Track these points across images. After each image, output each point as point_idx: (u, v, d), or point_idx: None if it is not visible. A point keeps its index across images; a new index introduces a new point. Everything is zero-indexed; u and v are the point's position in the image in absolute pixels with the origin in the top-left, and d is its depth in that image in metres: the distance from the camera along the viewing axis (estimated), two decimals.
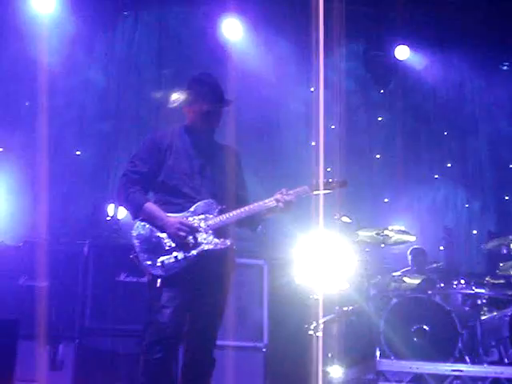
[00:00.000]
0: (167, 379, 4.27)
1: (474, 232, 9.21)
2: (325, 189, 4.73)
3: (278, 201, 4.53)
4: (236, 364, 6.41)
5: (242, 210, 4.53)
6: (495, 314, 7.19)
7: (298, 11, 7.91)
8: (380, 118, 9.56)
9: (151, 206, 4.50)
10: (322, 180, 4.74)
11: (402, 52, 9.24)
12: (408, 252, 7.84)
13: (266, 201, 4.55)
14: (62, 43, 8.24)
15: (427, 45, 9.33)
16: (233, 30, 8.84)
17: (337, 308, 7.19)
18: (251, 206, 4.54)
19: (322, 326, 7.08)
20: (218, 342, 4.70)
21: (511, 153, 9.66)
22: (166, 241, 4.43)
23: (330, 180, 4.80)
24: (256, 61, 8.90)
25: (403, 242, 7.71)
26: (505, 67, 9.63)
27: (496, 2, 9.02)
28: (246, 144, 8.36)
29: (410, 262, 7.85)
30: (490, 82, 9.61)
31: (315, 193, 4.72)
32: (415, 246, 7.72)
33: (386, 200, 9.19)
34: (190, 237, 4.43)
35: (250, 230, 4.75)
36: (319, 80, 8.46)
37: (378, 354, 6.45)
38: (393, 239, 7.59)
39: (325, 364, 6.96)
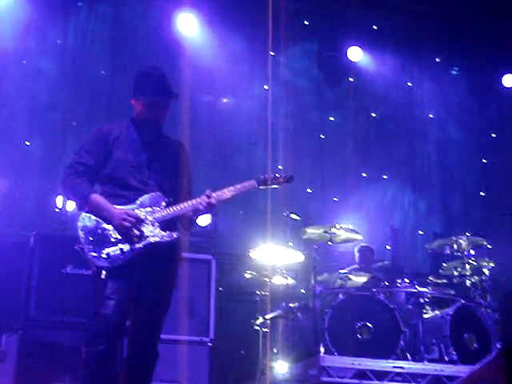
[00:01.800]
0: (109, 371, 4.26)
1: (420, 232, 9.38)
2: (272, 184, 4.79)
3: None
4: (181, 358, 6.43)
5: (188, 204, 4.56)
6: (437, 312, 7.35)
7: (253, 8, 7.95)
8: (332, 118, 9.66)
9: (97, 198, 4.50)
10: (269, 175, 4.80)
11: (355, 53, 9.35)
12: (355, 249, 7.95)
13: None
14: (14, 30, 8.13)
15: (380, 47, 9.46)
16: (188, 25, 8.84)
17: (283, 304, 7.26)
18: (189, 203, 4.54)
19: (268, 321, 7.15)
20: (164, 336, 4.72)
21: (458, 156, 9.87)
22: (111, 232, 4.43)
23: (277, 175, 4.86)
24: (210, 57, 8.91)
25: (350, 241, 7.82)
26: (454, 72, 9.83)
27: (447, 7, 9.21)
28: (198, 139, 8.38)
29: (356, 260, 7.96)
30: (439, 85, 9.79)
31: (262, 187, 4.78)
32: (363, 244, 7.83)
33: (335, 199, 9.30)
34: (136, 229, 4.43)
35: (184, 227, 4.72)
36: (272, 78, 8.55)
37: (322, 350, 6.55)
38: (340, 237, 7.70)
39: (270, 359, 7.03)
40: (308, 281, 7.58)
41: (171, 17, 8.78)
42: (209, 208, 4.54)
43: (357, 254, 7.88)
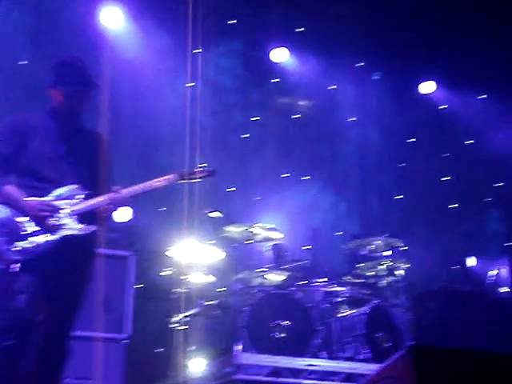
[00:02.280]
0: (17, 367, 4.16)
1: (339, 233, 9.53)
2: (194, 177, 4.79)
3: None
4: (96, 355, 6.33)
5: (102, 198, 4.49)
6: (353, 311, 7.50)
7: (178, 5, 7.90)
8: (256, 118, 9.71)
9: (10, 189, 4.38)
10: (191, 169, 4.79)
11: (280, 54, 9.42)
12: (270, 247, 7.96)
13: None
14: None
15: (304, 49, 9.55)
16: (113, 17, 8.71)
17: (202, 302, 7.25)
18: (103, 197, 4.48)
19: (186, 319, 7.13)
20: (78, 332, 4.64)
21: (377, 159, 10.07)
22: (26, 224, 4.32)
23: (200, 169, 4.86)
24: (135, 51, 8.82)
25: (271, 239, 7.88)
26: (376, 77, 10.03)
27: (371, 12, 9.39)
28: (121, 134, 8.27)
29: (269, 257, 7.96)
30: (361, 89, 9.98)
31: (184, 181, 4.76)
32: (276, 242, 7.87)
33: (257, 198, 9.34)
34: (52, 219, 4.34)
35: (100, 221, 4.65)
36: (196, 75, 8.51)
37: (238, 347, 6.57)
38: (261, 236, 7.75)
39: (187, 357, 7.02)
40: (227, 279, 7.61)
41: (95, 8, 8.63)
42: (118, 203, 4.48)
43: (271, 252, 7.90)
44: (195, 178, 4.81)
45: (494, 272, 9.11)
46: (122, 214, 8.05)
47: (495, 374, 3.90)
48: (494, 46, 9.79)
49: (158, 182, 4.67)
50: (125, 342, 6.78)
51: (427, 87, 9.93)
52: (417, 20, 9.50)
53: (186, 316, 7.11)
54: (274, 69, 9.61)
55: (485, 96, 10.12)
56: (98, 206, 4.48)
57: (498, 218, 10.35)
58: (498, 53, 9.80)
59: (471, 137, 10.18)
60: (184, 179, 4.79)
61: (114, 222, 7.52)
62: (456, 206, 10.11)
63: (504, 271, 9.11)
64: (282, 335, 6.90)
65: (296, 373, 6.64)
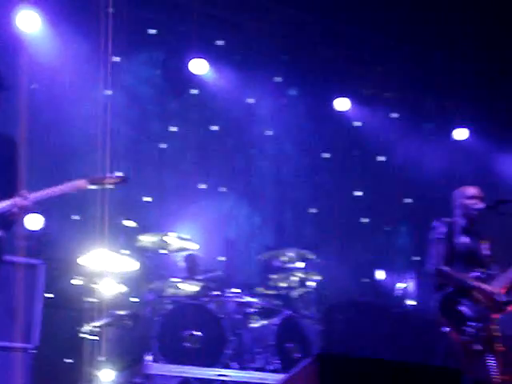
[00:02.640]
0: None
1: (254, 245, 9.63)
2: (104, 183, 4.76)
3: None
4: (1, 365, 6.18)
5: (7, 203, 4.41)
6: (264, 322, 7.59)
7: (98, 12, 7.84)
8: (173, 129, 9.71)
9: None
10: (102, 175, 4.76)
11: (200, 66, 9.45)
12: (182, 258, 7.99)
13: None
14: None
15: (224, 62, 9.63)
16: (30, 21, 8.53)
17: (113, 312, 7.18)
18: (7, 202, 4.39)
19: (97, 329, 7.03)
20: None
21: (293, 172, 10.24)
22: None
23: (111, 175, 4.83)
24: (52, 56, 8.68)
25: (185, 250, 7.90)
26: (293, 92, 10.21)
27: (290, 28, 9.57)
28: (35, 140, 8.12)
29: (185, 268, 7.99)
30: (278, 104, 10.13)
31: (94, 186, 4.72)
32: (189, 252, 7.90)
33: (173, 207, 9.32)
34: None
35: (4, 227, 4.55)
36: (114, 83, 8.47)
37: (149, 358, 6.54)
38: (175, 246, 7.76)
39: (97, 368, 6.92)
40: (140, 288, 7.57)
41: (11, 11, 8.45)
42: (24, 208, 4.40)
43: (184, 263, 7.93)
44: (106, 184, 4.78)
45: (402, 285, 9.40)
46: (33, 222, 7.91)
47: (398, 382, 4.06)
48: (406, 66, 10.14)
49: (67, 187, 4.62)
50: (32, 351, 6.63)
51: (342, 104, 10.16)
52: (333, 38, 9.74)
53: (97, 326, 7.02)
54: (193, 80, 9.63)
55: (397, 115, 10.44)
56: (2, 210, 4.39)
57: (406, 233, 10.69)
58: (409, 73, 10.15)
59: (383, 153, 10.48)
60: (94, 185, 4.74)
61: (25, 229, 7.40)
62: (367, 220, 10.38)
63: (411, 284, 9.41)
64: (194, 345, 6.92)
65: (206, 383, 6.66)
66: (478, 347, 5.13)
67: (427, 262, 5.43)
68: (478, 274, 5.38)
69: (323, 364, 3.96)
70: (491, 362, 5.18)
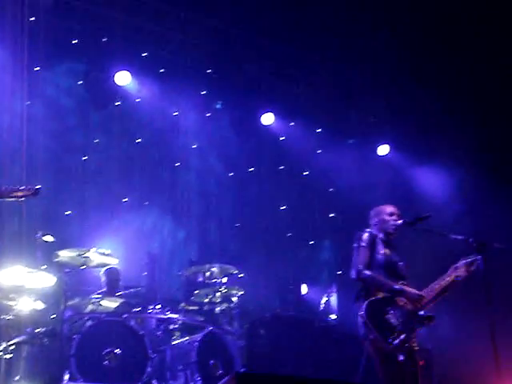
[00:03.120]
0: None
1: (177, 260, 9.52)
2: (13, 195, 4.58)
3: None
4: None
5: None
6: (186, 339, 7.49)
7: (16, 20, 7.64)
8: (96, 140, 9.51)
9: None
10: (9, 186, 4.58)
11: (123, 77, 9.33)
12: (101, 272, 7.82)
13: None
14: None
15: (148, 74, 9.53)
16: None
17: (29, 329, 6.95)
18: None
19: (11, 347, 6.79)
20: None
21: (217, 187, 10.19)
22: None
23: (20, 187, 4.66)
24: None
25: (105, 265, 7.73)
26: (218, 106, 10.18)
27: (215, 43, 9.55)
28: None
29: (103, 283, 7.81)
30: (203, 117, 10.06)
31: (2, 199, 4.54)
32: (109, 266, 7.73)
33: (95, 221, 9.11)
34: None
35: None
36: (35, 94, 8.26)
37: (66, 377, 6.36)
38: (95, 261, 7.57)
39: None
40: (59, 305, 7.35)
41: None
42: None
43: (103, 278, 7.76)
44: (16, 197, 4.59)
45: (325, 299, 9.46)
46: None
47: None
48: (330, 82, 10.26)
49: None
50: None
51: (267, 119, 10.20)
52: (258, 52, 9.79)
53: (12, 344, 6.77)
54: (117, 91, 9.48)
55: (320, 130, 10.54)
56: None
57: (330, 247, 10.79)
58: (332, 90, 10.28)
59: (307, 168, 10.56)
60: (3, 197, 4.55)
61: None
62: (290, 234, 10.42)
63: (333, 298, 9.48)
64: (113, 363, 6.76)
65: None
66: (401, 358, 5.17)
67: (351, 269, 5.43)
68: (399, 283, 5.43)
69: (242, 381, 3.92)
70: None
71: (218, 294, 8.04)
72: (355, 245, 5.59)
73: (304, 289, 9.95)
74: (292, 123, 10.47)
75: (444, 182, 9.84)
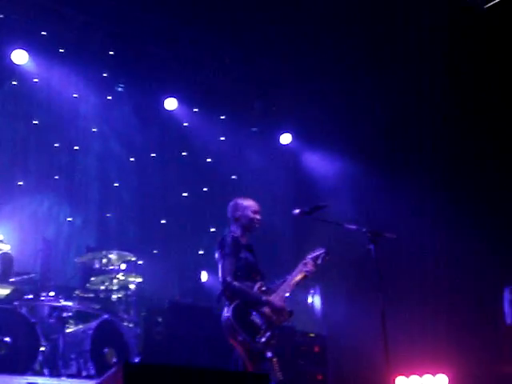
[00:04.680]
0: None
1: (74, 246, 9.26)
2: None
3: None
4: None
5: None
6: (80, 327, 7.33)
7: None
8: None
9: None
10: None
11: (20, 56, 8.97)
12: None
13: None
14: None
15: (47, 54, 9.19)
16: None
17: None
18: None
19: None
20: None
21: (117, 171, 9.97)
22: None
23: None
24: None
25: None
26: (120, 88, 9.93)
27: (114, 22, 9.32)
28: None
29: None
30: (104, 100, 9.82)
31: None
32: (1, 252, 7.45)
33: None
34: None
35: None
36: None
37: None
38: None
39: None
40: None
41: None
42: None
43: None
44: None
45: None
46: None
47: None
48: (237, 68, 10.21)
49: None
50: None
51: (171, 104, 10.07)
52: (164, 36, 9.62)
53: None
54: (13, 70, 9.11)
55: (224, 117, 10.50)
56: None
57: None
58: (239, 74, 10.23)
59: (210, 154, 10.50)
60: None
61: None
62: (192, 221, 10.34)
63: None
64: (2, 352, 6.54)
65: None
66: (269, 355, 5.30)
67: (223, 277, 5.47)
68: (259, 285, 5.54)
69: (128, 373, 3.84)
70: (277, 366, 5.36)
71: (115, 281, 7.91)
72: (220, 251, 5.61)
73: (204, 276, 9.91)
74: (196, 109, 10.36)
75: (338, 171, 9.98)
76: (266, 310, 5.43)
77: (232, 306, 5.40)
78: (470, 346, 8.39)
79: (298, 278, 5.62)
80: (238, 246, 5.61)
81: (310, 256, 5.69)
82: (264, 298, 5.48)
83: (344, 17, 9.22)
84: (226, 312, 5.41)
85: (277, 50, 9.84)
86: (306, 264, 5.65)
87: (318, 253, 5.69)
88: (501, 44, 8.69)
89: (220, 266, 5.58)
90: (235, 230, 5.76)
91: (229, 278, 5.45)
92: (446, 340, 8.69)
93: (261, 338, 5.33)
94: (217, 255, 5.66)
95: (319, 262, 5.67)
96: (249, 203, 5.83)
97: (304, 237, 6.75)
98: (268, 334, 5.37)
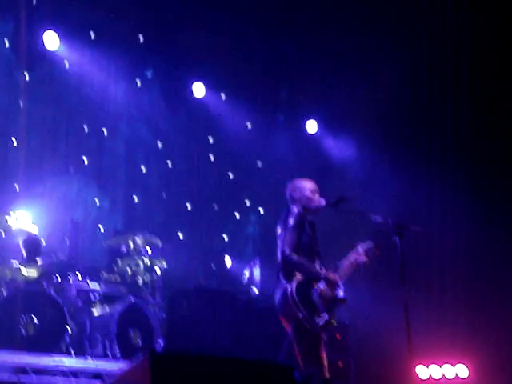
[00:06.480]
0: None
1: (101, 229, 9.40)
2: None
3: None
4: None
5: None
6: (107, 309, 7.46)
7: None
8: (21, 104, 9.22)
9: None
10: None
11: (52, 41, 9.07)
12: (21, 240, 7.60)
13: None
14: None
15: (78, 38, 9.29)
16: None
17: None
18: None
19: None
20: None
21: (145, 156, 10.07)
22: None
23: None
24: None
25: (25, 231, 7.57)
26: (149, 73, 9.99)
27: (146, 9, 9.40)
28: None
29: (22, 250, 7.60)
30: (133, 85, 9.89)
31: None
32: (29, 234, 7.57)
33: (16, 187, 8.87)
34: None
35: None
36: None
37: None
38: (15, 228, 7.43)
39: None
40: None
41: None
42: None
43: (22, 245, 7.56)
44: None
45: (248, 273, 9.55)
46: None
47: (230, 380, 4.11)
48: (262, 55, 10.23)
49: None
50: None
51: (199, 90, 10.12)
52: (191, 21, 9.68)
53: None
54: (45, 55, 9.21)
55: (250, 105, 10.50)
56: None
57: (255, 221, 10.86)
58: (263, 62, 10.25)
59: (237, 143, 10.54)
60: None
61: None
62: (217, 207, 10.43)
63: (257, 272, 9.57)
64: (31, 332, 6.70)
65: (41, 371, 6.48)
66: (325, 338, 5.31)
67: (282, 249, 5.38)
68: (318, 266, 5.49)
69: (155, 361, 3.93)
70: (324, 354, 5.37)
71: (141, 264, 8.01)
72: (282, 223, 5.50)
73: (228, 262, 10.01)
74: (223, 96, 10.41)
75: (363, 161, 9.99)
76: (323, 286, 5.36)
77: (296, 281, 5.30)
78: (491, 336, 8.42)
79: (350, 267, 5.56)
80: (302, 220, 5.49)
81: (361, 248, 5.62)
82: (323, 273, 5.39)
83: (370, 4, 9.25)
84: (289, 288, 5.28)
85: (304, 38, 9.86)
86: (359, 254, 5.59)
87: (368, 246, 5.63)
88: None
89: (281, 239, 5.44)
90: (299, 209, 5.60)
91: (288, 251, 5.32)
92: (466, 330, 8.72)
93: (319, 319, 5.27)
94: (279, 228, 5.52)
95: (370, 254, 5.60)
96: (306, 182, 5.77)
97: (328, 226, 6.77)
98: (326, 317, 5.30)
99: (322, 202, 5.69)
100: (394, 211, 7.55)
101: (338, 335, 8.13)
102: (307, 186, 5.74)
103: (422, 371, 8.51)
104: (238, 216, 10.60)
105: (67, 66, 9.37)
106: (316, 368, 5.27)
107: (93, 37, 9.37)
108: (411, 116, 9.66)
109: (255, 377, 4.00)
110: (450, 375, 8.51)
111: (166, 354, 3.99)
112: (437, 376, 8.52)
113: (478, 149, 9.13)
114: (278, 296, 5.41)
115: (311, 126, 10.53)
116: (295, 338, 5.29)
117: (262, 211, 10.67)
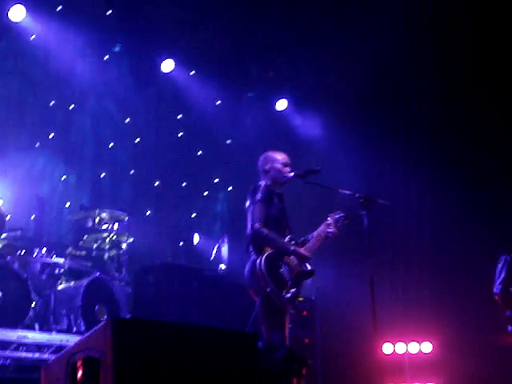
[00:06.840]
0: None
1: (68, 204, 9.29)
2: None
3: None
4: None
5: None
6: (72, 283, 7.41)
7: None
8: None
9: None
10: None
11: (18, 12, 8.87)
12: None
13: None
14: None
15: (44, 10, 9.10)
16: None
17: None
18: None
19: None
20: None
21: (112, 130, 9.95)
22: None
23: None
24: None
25: None
26: (117, 49, 9.82)
27: None
28: None
29: None
30: (101, 60, 9.73)
31: None
32: None
33: None
34: None
35: None
36: None
37: None
38: None
39: None
40: None
41: None
42: None
43: None
44: None
45: (215, 249, 9.53)
46: None
47: (192, 345, 4.10)
48: (231, 31, 10.13)
49: None
50: None
51: (167, 66, 10.01)
52: None
53: None
54: (11, 27, 9.02)
55: (220, 81, 10.43)
56: None
57: (223, 198, 10.84)
58: (232, 38, 10.16)
59: (206, 120, 10.47)
60: None
61: None
62: (186, 184, 10.37)
63: (224, 249, 9.57)
64: None
65: (5, 345, 6.43)
66: (292, 311, 5.31)
67: (251, 223, 5.36)
68: (288, 239, 5.47)
69: (117, 328, 3.91)
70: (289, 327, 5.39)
71: (108, 239, 7.98)
72: (251, 198, 5.48)
73: (196, 238, 9.98)
74: (192, 72, 10.31)
75: (333, 137, 10.01)
76: (293, 260, 5.37)
77: (265, 255, 5.29)
78: (455, 312, 8.51)
79: (320, 238, 5.56)
80: (270, 194, 5.49)
81: (331, 218, 5.63)
82: (292, 247, 5.39)
83: None
84: (258, 261, 5.28)
85: (274, 13, 9.79)
86: (329, 225, 5.59)
87: (338, 216, 5.64)
88: None
89: (249, 213, 5.44)
90: (266, 182, 5.61)
91: (257, 225, 5.32)
92: (432, 308, 8.81)
93: (286, 293, 5.29)
94: (248, 203, 5.51)
95: (339, 224, 5.62)
96: (277, 154, 5.76)
97: (296, 201, 6.77)
98: (293, 290, 5.33)
99: (291, 174, 5.68)
100: (361, 187, 7.55)
101: (304, 311, 8.16)
102: (278, 157, 5.73)
103: (388, 349, 8.57)
104: (206, 193, 10.55)
105: (33, 38, 9.16)
106: (281, 339, 5.28)
107: (60, 9, 9.17)
108: (377, 94, 9.71)
109: (218, 343, 3.99)
110: (414, 350, 8.60)
111: (127, 320, 3.95)
112: (401, 351, 8.61)
113: (441, 125, 9.21)
114: (246, 269, 5.41)
115: (281, 104, 10.51)
116: (262, 311, 5.29)
117: (230, 188, 10.65)
